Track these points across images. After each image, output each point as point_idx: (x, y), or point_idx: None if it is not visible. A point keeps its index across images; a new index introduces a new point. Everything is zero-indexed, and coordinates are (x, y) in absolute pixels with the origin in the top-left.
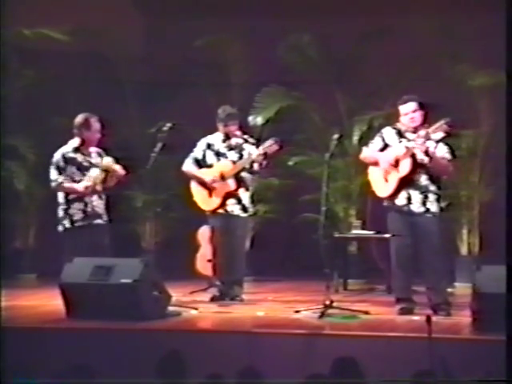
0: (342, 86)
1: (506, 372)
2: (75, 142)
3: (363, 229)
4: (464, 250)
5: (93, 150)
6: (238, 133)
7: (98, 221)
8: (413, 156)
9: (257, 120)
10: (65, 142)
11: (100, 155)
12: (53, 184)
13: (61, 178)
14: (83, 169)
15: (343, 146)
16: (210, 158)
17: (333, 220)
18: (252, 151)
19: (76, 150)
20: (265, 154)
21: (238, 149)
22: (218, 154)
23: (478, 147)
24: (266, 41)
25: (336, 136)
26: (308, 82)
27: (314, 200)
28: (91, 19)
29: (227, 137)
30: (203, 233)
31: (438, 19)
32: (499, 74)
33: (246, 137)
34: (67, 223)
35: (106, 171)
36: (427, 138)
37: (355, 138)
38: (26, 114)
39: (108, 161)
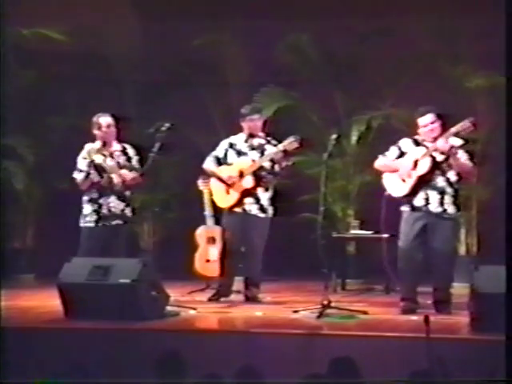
0: (341, 86)
1: (506, 372)
2: (96, 144)
3: (361, 229)
4: (462, 250)
5: (117, 147)
6: (261, 134)
7: (117, 222)
8: (432, 156)
9: None
10: (64, 142)
11: (124, 153)
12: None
13: (77, 177)
14: (101, 170)
15: (341, 146)
16: (232, 157)
17: (331, 220)
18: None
19: (96, 151)
20: (284, 151)
21: (260, 149)
22: (240, 153)
23: (476, 147)
24: (265, 41)
25: (334, 136)
26: (306, 82)
27: (312, 200)
28: (90, 19)
29: (250, 136)
30: (201, 233)
31: (437, 20)
32: (498, 75)
33: (269, 138)
34: (81, 223)
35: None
36: (450, 136)
37: (353, 138)
38: (25, 114)
39: (110, 165)
